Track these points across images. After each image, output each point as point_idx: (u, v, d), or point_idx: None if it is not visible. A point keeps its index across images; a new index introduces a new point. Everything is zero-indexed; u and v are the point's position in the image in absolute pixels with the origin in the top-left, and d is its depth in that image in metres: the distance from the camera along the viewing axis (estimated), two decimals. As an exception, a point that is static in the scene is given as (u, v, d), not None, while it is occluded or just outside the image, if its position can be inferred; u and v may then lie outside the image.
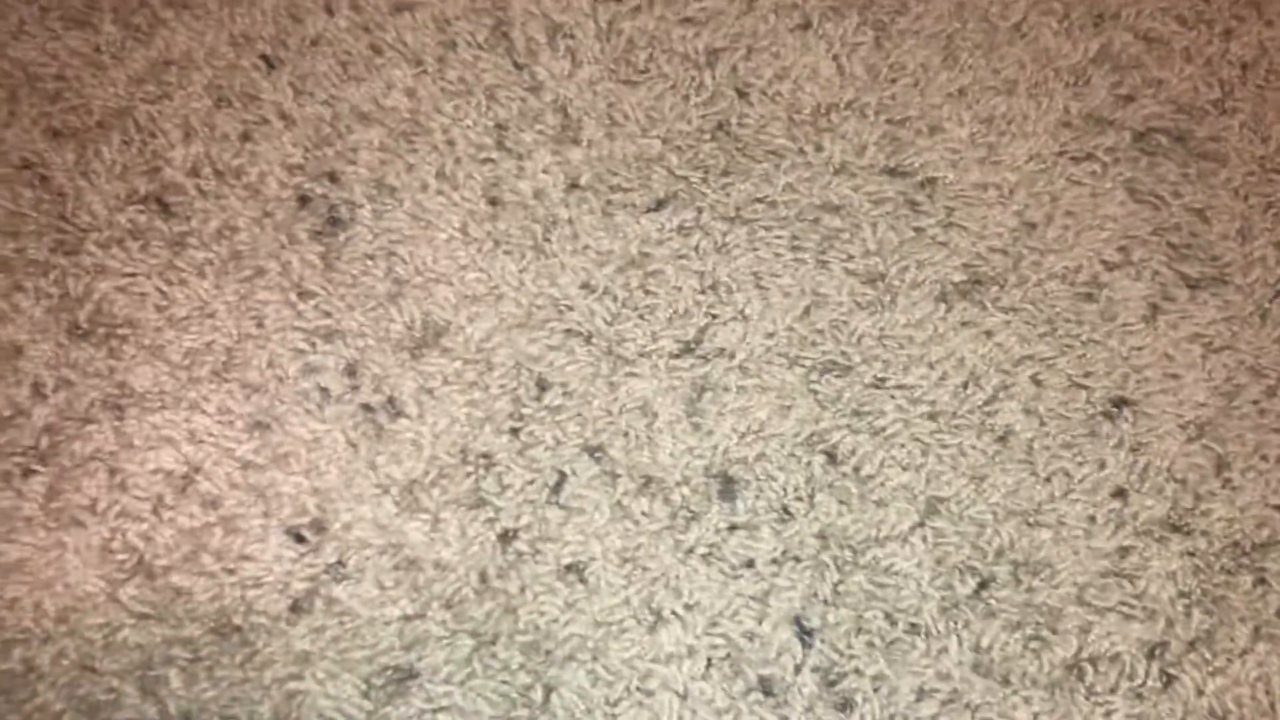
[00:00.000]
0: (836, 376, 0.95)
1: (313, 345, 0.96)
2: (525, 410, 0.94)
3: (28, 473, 0.92)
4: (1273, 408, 0.95)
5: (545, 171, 1.00)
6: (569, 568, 0.91)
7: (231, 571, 0.90)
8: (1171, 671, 0.89)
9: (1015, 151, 1.02)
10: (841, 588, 0.91)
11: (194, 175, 1.00)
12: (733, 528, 0.92)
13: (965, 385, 0.95)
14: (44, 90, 1.02)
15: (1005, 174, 1.01)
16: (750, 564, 0.91)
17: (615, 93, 1.03)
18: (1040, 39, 1.05)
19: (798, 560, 0.91)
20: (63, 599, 0.90)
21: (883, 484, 0.93)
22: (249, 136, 1.01)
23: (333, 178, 1.00)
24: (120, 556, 0.91)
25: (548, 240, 0.99)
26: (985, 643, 0.89)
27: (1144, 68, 1.04)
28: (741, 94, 1.03)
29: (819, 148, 1.01)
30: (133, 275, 0.97)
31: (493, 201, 0.99)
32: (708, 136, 1.02)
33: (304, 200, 0.99)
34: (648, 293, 0.98)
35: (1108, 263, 0.99)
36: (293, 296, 0.97)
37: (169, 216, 0.99)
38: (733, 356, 0.96)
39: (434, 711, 0.88)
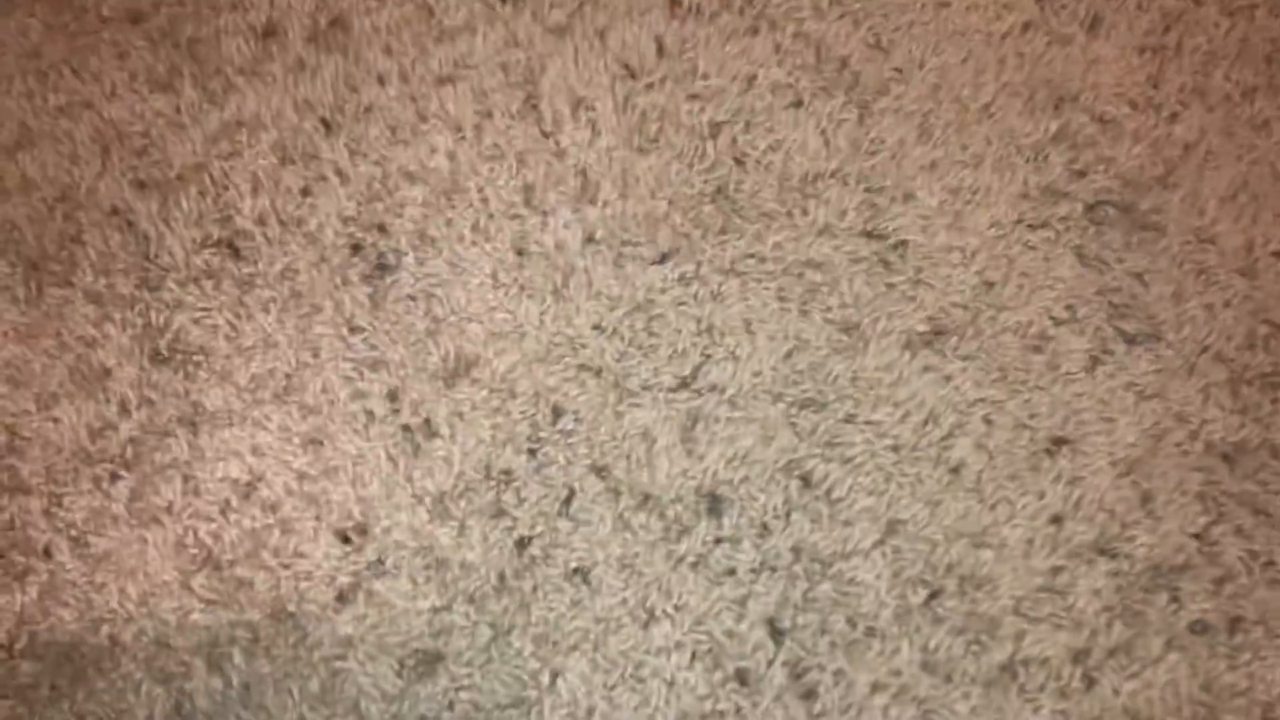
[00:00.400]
0: (813, 412, 0.98)
1: (361, 374, 0.99)
2: (542, 434, 0.98)
3: (115, 477, 0.97)
4: (1194, 449, 0.97)
5: (566, 227, 1.02)
6: (575, 571, 0.95)
7: (287, 566, 0.95)
8: (1094, 675, 0.92)
9: (979, 219, 1.02)
10: (810, 595, 0.94)
11: (261, 224, 1.03)
12: (718, 540, 0.95)
13: (925, 423, 0.98)
14: (132, 146, 1.05)
15: (969, 238, 1.02)
16: (732, 572, 0.95)
17: (629, 159, 1.04)
18: (1006, 119, 1.05)
19: (774, 570, 0.95)
20: (143, 585, 0.94)
21: (850, 506, 0.96)
22: (309, 191, 1.03)
23: (381, 229, 1.02)
24: (192, 551, 0.95)
25: (566, 287, 1.01)
26: (933, 645, 0.93)
27: (1097, 146, 1.04)
28: (739, 162, 1.04)
29: (805, 211, 1.03)
30: (206, 309, 1.01)
31: (519, 252, 1.02)
32: (708, 199, 1.03)
33: (356, 248, 1.02)
34: (651, 334, 1.00)
35: (1056, 319, 1.00)
36: (344, 331, 1.00)
37: (238, 259, 1.02)
38: (723, 392, 0.98)
39: (456, 690, 0.92)
